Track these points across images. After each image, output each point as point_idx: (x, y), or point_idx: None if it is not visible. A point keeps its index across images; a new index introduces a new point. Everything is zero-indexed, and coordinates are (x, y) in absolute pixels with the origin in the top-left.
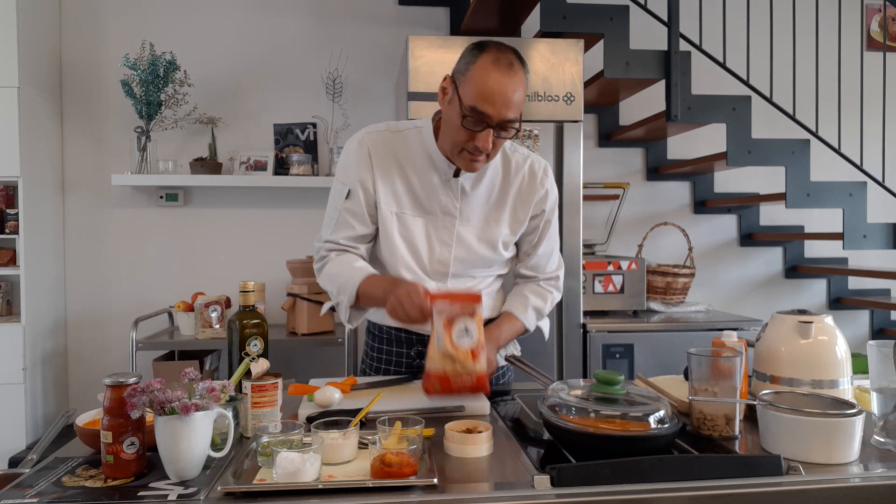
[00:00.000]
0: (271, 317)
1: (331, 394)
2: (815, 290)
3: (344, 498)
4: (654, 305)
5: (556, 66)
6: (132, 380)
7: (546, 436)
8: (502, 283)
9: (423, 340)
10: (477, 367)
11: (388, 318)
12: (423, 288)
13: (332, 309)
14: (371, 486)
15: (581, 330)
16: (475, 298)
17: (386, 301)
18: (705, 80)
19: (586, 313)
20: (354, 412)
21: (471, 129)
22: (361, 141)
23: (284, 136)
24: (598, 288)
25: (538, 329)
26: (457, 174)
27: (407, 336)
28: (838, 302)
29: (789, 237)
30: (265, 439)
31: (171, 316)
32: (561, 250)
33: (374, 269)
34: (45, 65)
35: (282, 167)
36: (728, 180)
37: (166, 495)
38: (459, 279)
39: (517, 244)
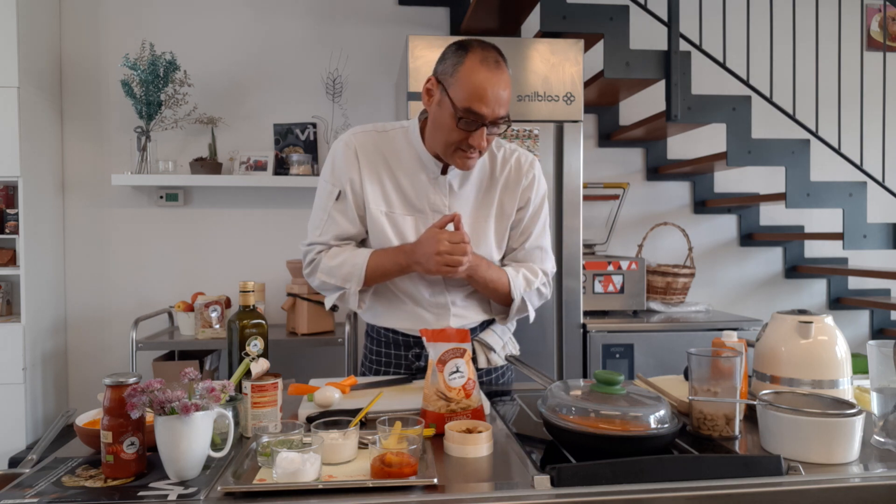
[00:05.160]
0: (271, 317)
1: (331, 394)
2: (815, 290)
3: (344, 498)
4: (654, 305)
5: (556, 66)
6: (132, 380)
7: (546, 436)
8: None
9: (420, 343)
10: (471, 403)
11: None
12: (435, 227)
13: (333, 308)
14: (371, 486)
15: (581, 330)
16: (464, 338)
17: (408, 268)
18: (705, 80)
19: (586, 313)
20: (354, 412)
21: (465, 130)
22: (348, 142)
23: (284, 136)
24: (598, 288)
25: (524, 307)
26: (444, 172)
27: (405, 339)
28: (838, 302)
29: (789, 237)
30: (265, 439)
31: (171, 316)
32: (561, 250)
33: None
34: (45, 65)
35: (282, 167)
36: (728, 180)
37: (166, 495)
38: (451, 283)
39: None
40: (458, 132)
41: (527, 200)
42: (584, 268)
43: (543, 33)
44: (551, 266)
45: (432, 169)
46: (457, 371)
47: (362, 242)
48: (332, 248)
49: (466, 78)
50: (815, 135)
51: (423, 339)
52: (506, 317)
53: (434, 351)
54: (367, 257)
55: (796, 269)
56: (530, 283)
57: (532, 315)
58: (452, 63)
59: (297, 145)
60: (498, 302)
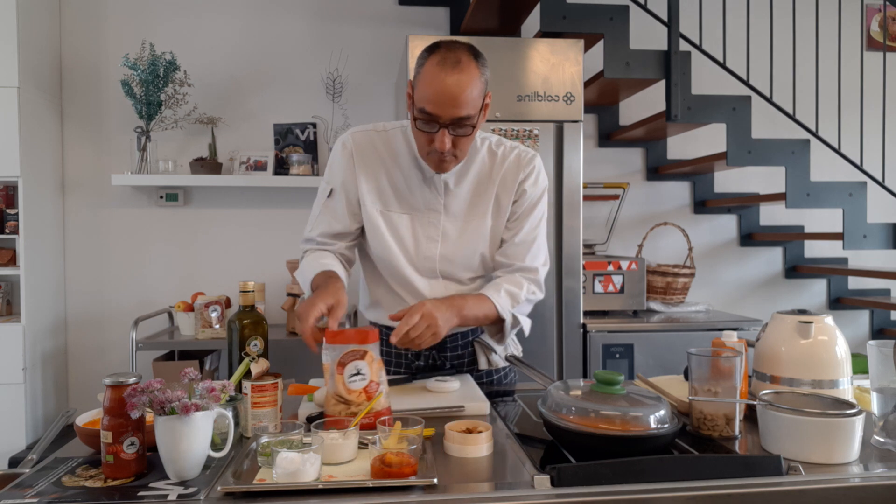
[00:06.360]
0: (271, 317)
1: None
2: (815, 290)
3: (344, 498)
4: (654, 305)
5: (556, 66)
6: (132, 380)
7: (546, 436)
8: None
9: None
10: (374, 406)
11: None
12: (317, 313)
13: None
14: (371, 486)
15: (581, 330)
16: (368, 339)
17: None
18: (705, 80)
19: (586, 313)
20: None
21: (424, 131)
22: (345, 142)
23: (284, 136)
24: (598, 288)
25: (517, 322)
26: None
27: None
28: (838, 302)
29: (789, 237)
30: (265, 439)
31: (171, 316)
32: (561, 250)
33: (335, 268)
34: (45, 65)
35: (282, 167)
36: (728, 180)
37: (166, 495)
38: (449, 280)
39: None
40: (423, 134)
41: (522, 192)
42: (584, 268)
43: (543, 33)
44: (543, 261)
45: (427, 168)
46: (358, 374)
47: (356, 240)
48: (315, 250)
49: (423, 79)
50: (815, 135)
51: (324, 340)
52: (502, 336)
53: (332, 353)
54: (314, 272)
55: (796, 269)
56: (515, 298)
57: (527, 329)
58: (419, 65)
59: (297, 145)
60: (490, 325)
